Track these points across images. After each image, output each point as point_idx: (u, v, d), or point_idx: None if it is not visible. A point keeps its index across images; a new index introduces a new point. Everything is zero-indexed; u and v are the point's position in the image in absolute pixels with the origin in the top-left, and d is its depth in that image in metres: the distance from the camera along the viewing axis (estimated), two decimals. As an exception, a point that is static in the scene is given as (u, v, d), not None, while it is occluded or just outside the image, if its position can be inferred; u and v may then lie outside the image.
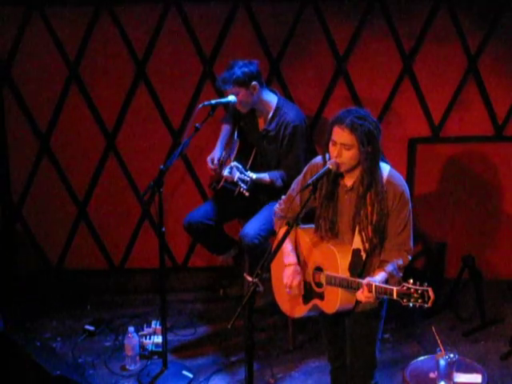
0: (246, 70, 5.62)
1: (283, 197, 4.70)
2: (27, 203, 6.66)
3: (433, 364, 4.72)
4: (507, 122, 6.52)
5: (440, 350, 4.68)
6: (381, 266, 4.32)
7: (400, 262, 4.31)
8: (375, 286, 4.14)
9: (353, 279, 4.27)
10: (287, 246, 4.55)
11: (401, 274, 4.30)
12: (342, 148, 4.25)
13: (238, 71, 5.60)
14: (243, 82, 5.62)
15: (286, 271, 4.55)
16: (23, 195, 6.63)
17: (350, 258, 4.36)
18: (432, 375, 4.71)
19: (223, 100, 5.74)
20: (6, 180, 6.59)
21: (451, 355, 4.63)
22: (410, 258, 4.37)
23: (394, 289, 4.08)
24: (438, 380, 4.64)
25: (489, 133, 6.55)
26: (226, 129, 6.11)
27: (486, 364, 5.47)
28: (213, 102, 5.64)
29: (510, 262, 6.73)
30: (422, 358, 4.95)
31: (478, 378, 4.71)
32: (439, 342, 4.72)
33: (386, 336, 5.99)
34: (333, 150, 4.28)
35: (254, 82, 5.65)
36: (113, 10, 6.23)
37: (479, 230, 6.72)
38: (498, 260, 6.72)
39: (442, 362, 4.62)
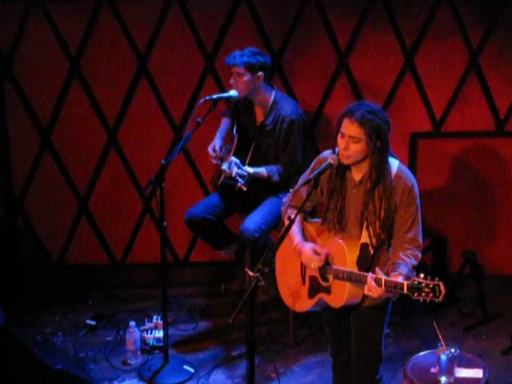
0: (260, 58, 5.66)
1: (291, 190, 4.70)
2: (29, 198, 6.67)
3: (434, 359, 4.71)
4: (509, 117, 6.51)
5: (441, 344, 4.68)
6: (395, 268, 4.26)
7: (413, 261, 4.28)
8: (384, 280, 4.13)
9: (362, 273, 4.25)
10: (293, 228, 4.47)
11: (415, 274, 4.28)
12: (349, 141, 4.23)
13: (252, 55, 5.63)
14: (252, 67, 5.63)
15: (296, 251, 4.53)
16: (25, 190, 6.63)
17: (358, 253, 4.34)
18: (433, 370, 4.70)
19: (225, 95, 5.75)
20: (8, 174, 6.59)
21: (452, 350, 4.62)
22: (420, 255, 4.35)
23: (405, 283, 4.05)
24: (439, 375, 4.63)
25: (490, 128, 6.54)
26: (225, 122, 6.11)
27: (487, 359, 5.47)
28: (214, 96, 5.63)
29: (511, 257, 6.72)
30: (423, 352, 4.93)
31: (479, 372, 4.70)
32: (440, 336, 4.71)
33: (388, 331, 5.99)
34: (341, 142, 4.27)
35: (261, 72, 5.66)
36: (114, 4, 6.23)
37: (481, 225, 6.72)
38: (499, 255, 6.72)
39: (444, 357, 4.61)
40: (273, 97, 5.82)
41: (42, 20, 6.24)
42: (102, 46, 6.34)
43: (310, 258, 4.45)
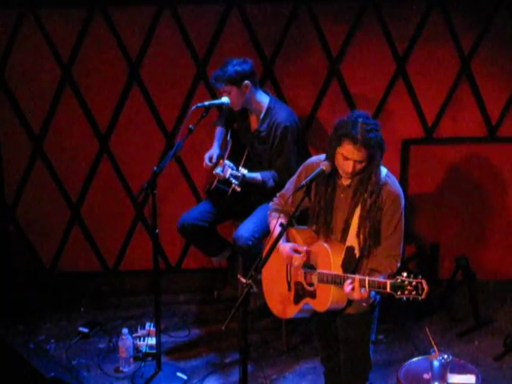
0: (238, 68, 5.62)
1: (278, 194, 4.71)
2: (21, 205, 6.65)
3: (427, 365, 4.72)
4: (500, 123, 6.53)
5: (434, 350, 4.68)
6: (371, 275, 4.29)
7: (388, 271, 4.31)
8: (368, 280, 4.15)
9: (346, 275, 4.26)
10: (276, 231, 4.44)
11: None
12: (355, 163, 4.24)
13: (231, 69, 5.60)
14: (235, 81, 5.62)
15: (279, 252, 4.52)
16: (17, 197, 6.62)
17: (343, 256, 4.36)
18: (426, 376, 4.71)
19: (216, 101, 5.75)
20: (0, 181, 6.58)
21: (445, 356, 4.63)
22: (398, 265, 4.37)
23: (388, 281, 4.08)
24: (432, 381, 4.64)
25: (482, 134, 6.55)
26: (220, 130, 6.14)
27: (479, 364, 5.49)
28: (206, 103, 5.64)
29: (503, 262, 6.74)
30: (415, 358, 4.95)
31: (471, 378, 4.71)
32: (433, 342, 4.72)
33: (380, 337, 5.99)
34: (345, 164, 4.26)
35: (246, 81, 5.65)
36: (106, 12, 6.22)
37: (472, 231, 6.73)
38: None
39: (436, 363, 4.62)
40: (267, 103, 5.82)
41: (33, 27, 6.23)
42: (93, 54, 6.33)
43: (291, 257, 4.47)
